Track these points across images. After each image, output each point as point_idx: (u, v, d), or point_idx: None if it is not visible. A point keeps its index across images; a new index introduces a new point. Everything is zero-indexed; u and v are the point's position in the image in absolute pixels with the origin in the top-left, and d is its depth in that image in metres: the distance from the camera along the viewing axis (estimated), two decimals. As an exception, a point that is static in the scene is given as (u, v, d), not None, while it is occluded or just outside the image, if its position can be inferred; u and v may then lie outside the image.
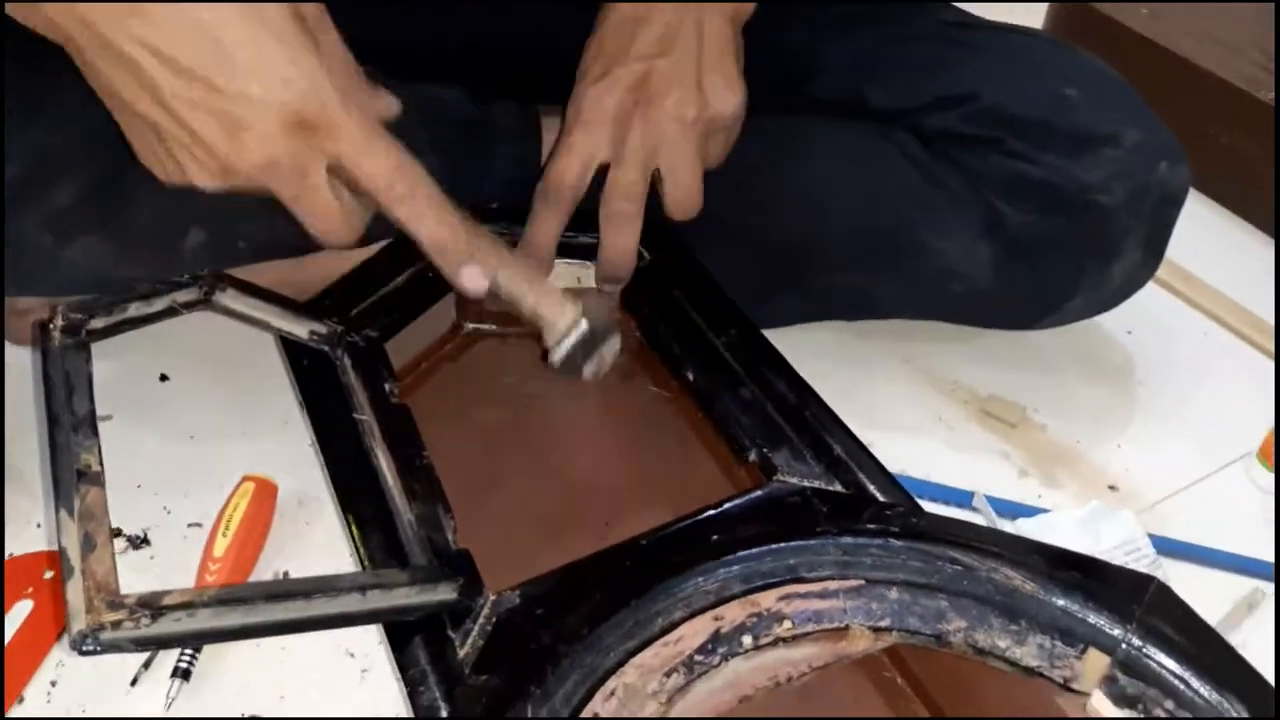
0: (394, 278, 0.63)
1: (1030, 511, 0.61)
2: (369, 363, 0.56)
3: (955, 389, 0.71)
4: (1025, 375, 0.72)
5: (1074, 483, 0.65)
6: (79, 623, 0.38)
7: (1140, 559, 0.57)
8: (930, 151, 0.66)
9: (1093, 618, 0.43)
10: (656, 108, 0.56)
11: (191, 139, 0.45)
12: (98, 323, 0.50)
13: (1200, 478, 0.65)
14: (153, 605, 0.38)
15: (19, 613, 0.54)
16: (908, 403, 0.69)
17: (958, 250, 0.66)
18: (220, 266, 0.58)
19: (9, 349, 0.70)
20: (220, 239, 0.63)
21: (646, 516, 0.51)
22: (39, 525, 0.59)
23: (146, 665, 0.52)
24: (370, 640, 0.53)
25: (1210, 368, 0.74)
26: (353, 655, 0.53)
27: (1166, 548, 0.59)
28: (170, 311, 0.53)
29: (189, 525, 0.59)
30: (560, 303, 0.55)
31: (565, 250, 0.63)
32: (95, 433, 0.45)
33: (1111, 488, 0.64)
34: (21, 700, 0.51)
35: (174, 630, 0.39)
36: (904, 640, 0.44)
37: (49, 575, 0.56)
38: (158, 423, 0.65)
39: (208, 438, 0.64)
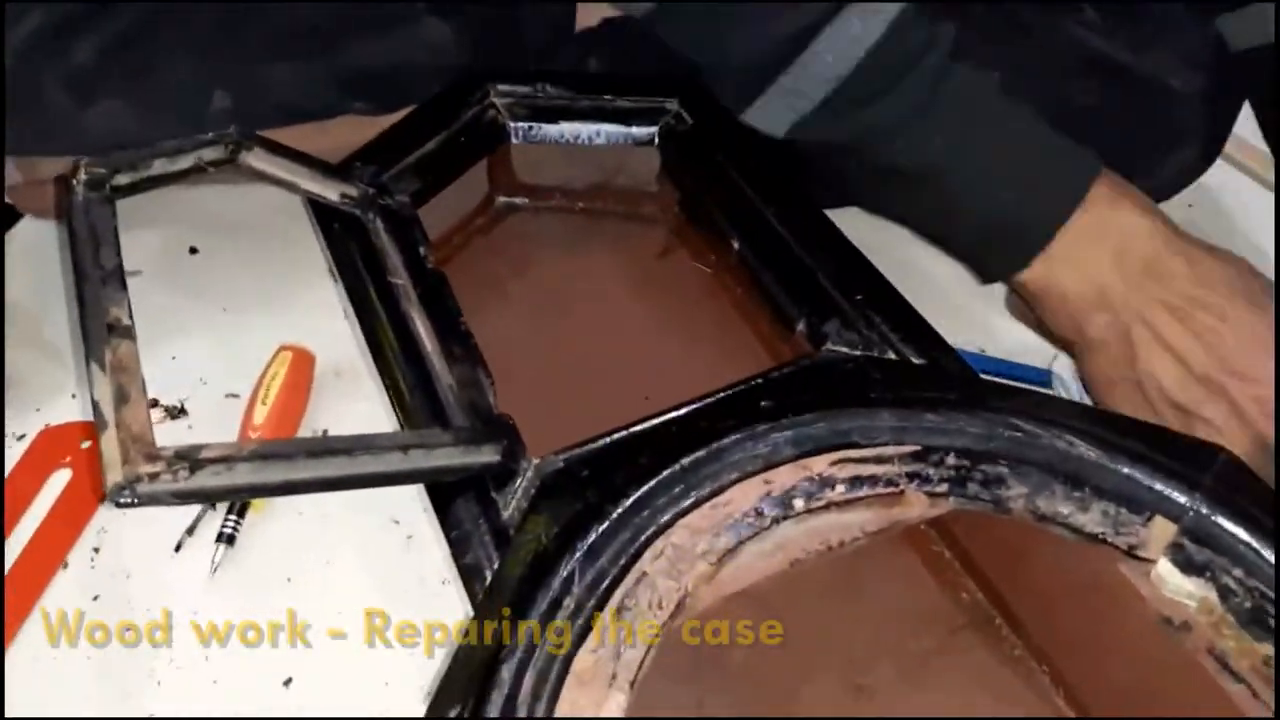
0: (425, 142, 0.60)
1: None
2: (403, 227, 0.54)
3: None
4: None
5: None
6: (115, 474, 0.37)
7: None
8: (999, 21, 0.62)
9: (1159, 485, 0.41)
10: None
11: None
12: (122, 178, 0.48)
13: (1265, 350, 0.63)
14: (191, 458, 0.37)
15: (58, 482, 0.54)
16: (962, 281, 0.66)
17: None
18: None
19: (32, 222, 0.68)
20: (246, 104, 0.60)
21: (686, 391, 0.50)
22: (74, 396, 0.59)
23: (190, 531, 0.51)
24: (415, 508, 0.52)
25: (1272, 241, 0.70)
26: (397, 522, 0.52)
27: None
28: (196, 170, 0.50)
29: (226, 396, 0.58)
30: None
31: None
32: (124, 286, 0.43)
33: None
34: (66, 566, 0.51)
35: (213, 484, 0.38)
36: (961, 506, 0.42)
37: (86, 445, 0.56)
38: (189, 295, 0.63)
39: (240, 309, 0.63)
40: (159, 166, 0.49)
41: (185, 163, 0.50)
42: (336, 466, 0.40)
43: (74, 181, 0.47)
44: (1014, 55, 0.62)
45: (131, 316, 0.42)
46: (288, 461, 0.39)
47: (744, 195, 0.57)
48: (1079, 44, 0.61)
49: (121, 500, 0.37)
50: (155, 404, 0.57)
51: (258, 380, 0.56)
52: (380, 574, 0.50)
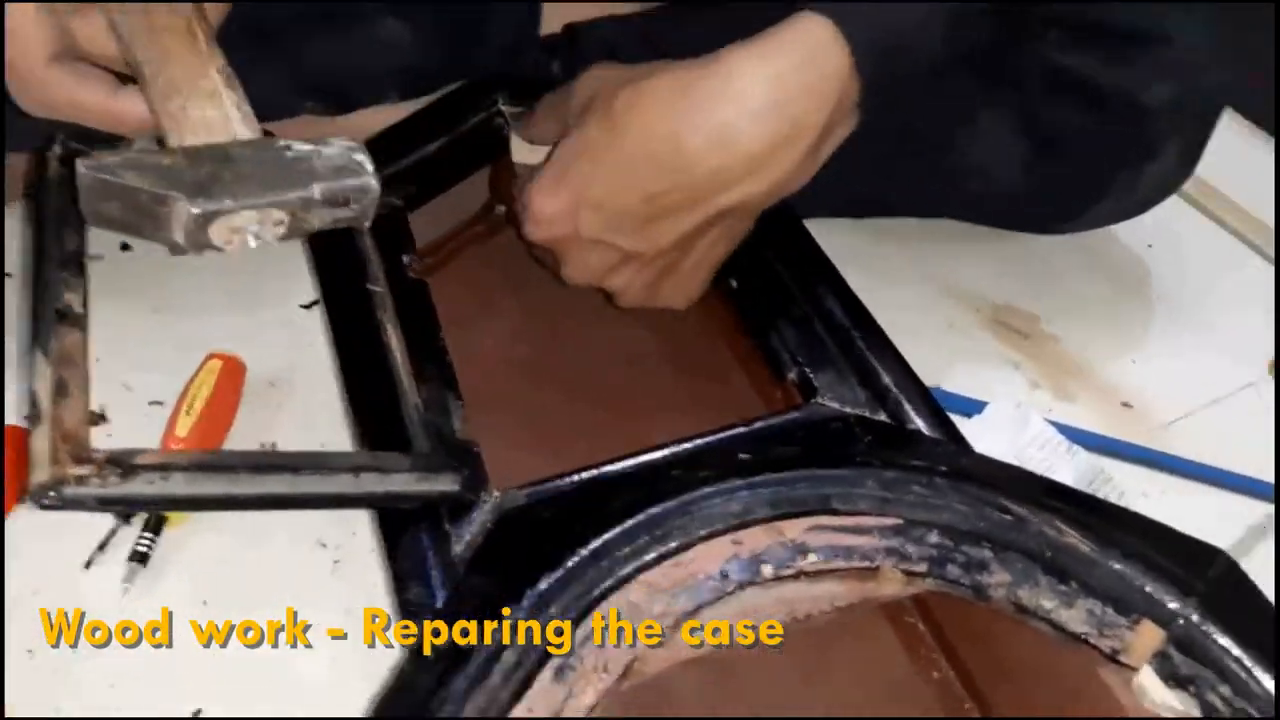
0: (425, 144, 0.58)
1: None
2: (388, 232, 0.52)
3: (967, 296, 0.66)
4: (1040, 285, 0.68)
5: (1087, 396, 0.61)
6: (41, 474, 0.34)
7: (1057, 448, 0.55)
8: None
9: (1150, 587, 0.39)
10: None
11: None
12: (99, 157, 0.46)
13: (1217, 398, 0.62)
14: (123, 463, 0.35)
15: None
16: (917, 308, 0.64)
17: (985, 145, 0.62)
18: None
19: None
20: None
21: (666, 430, 0.48)
22: None
23: (102, 547, 0.48)
24: (344, 531, 0.49)
25: (1230, 285, 0.71)
26: (324, 545, 0.49)
27: (1178, 467, 0.57)
28: (177, 153, 0.48)
29: (150, 403, 0.53)
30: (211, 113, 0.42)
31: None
32: (83, 272, 0.41)
33: (1125, 404, 0.61)
34: None
35: (144, 492, 0.36)
36: (939, 588, 0.40)
37: None
38: (118, 294, 0.58)
39: (171, 311, 0.59)
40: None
41: (167, 145, 0.48)
42: (281, 484, 0.38)
43: (48, 156, 0.45)
44: (982, 76, 0.61)
45: (86, 305, 0.40)
46: (228, 474, 0.37)
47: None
48: (1046, 62, 0.60)
49: (45, 502, 0.34)
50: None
51: (184, 389, 0.52)
52: (304, 601, 0.47)
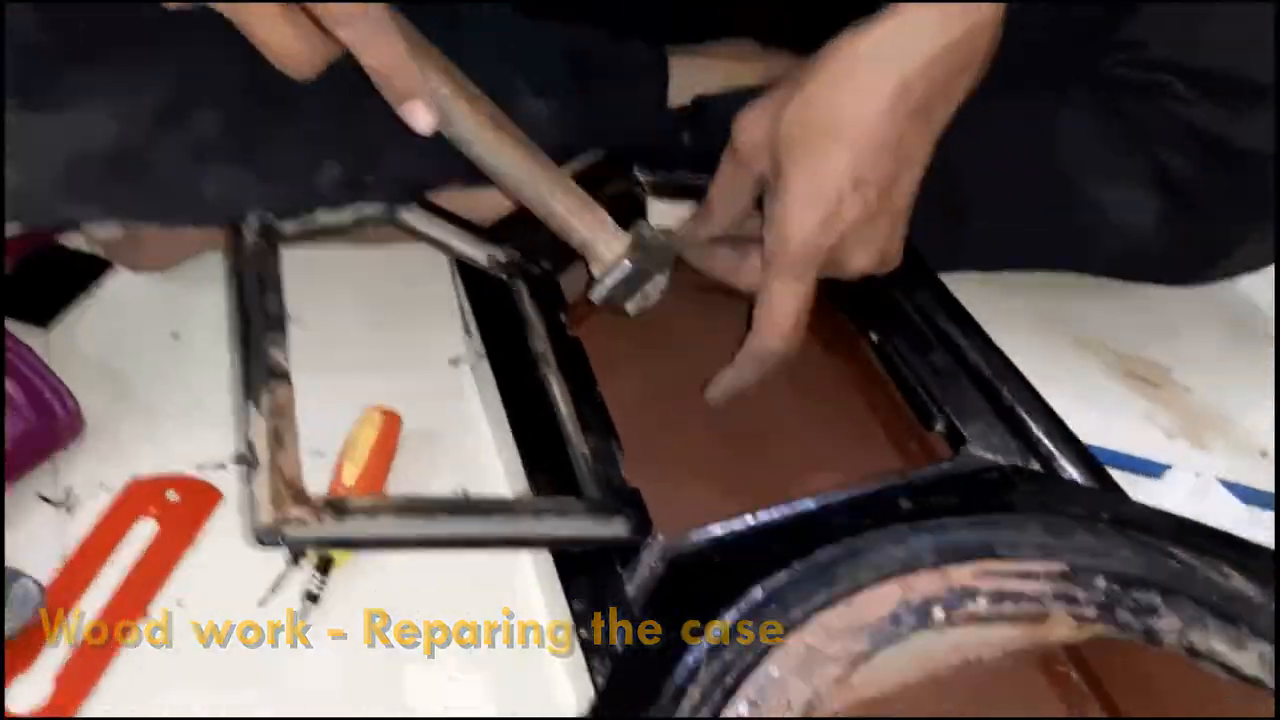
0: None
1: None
2: (544, 294, 0.55)
3: (1095, 347, 0.67)
4: (1168, 337, 0.68)
5: (1223, 446, 0.61)
6: (265, 515, 0.38)
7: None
8: (1097, 98, 0.63)
9: (1323, 633, 0.39)
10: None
11: None
12: (290, 227, 0.50)
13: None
14: (338, 506, 0.38)
15: (143, 532, 0.53)
16: (1047, 360, 0.63)
17: (1121, 200, 0.63)
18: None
19: (121, 274, 0.69)
20: (355, 174, 0.61)
21: (805, 479, 0.49)
22: (161, 449, 0.57)
23: (274, 589, 0.50)
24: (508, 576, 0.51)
25: None
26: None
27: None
28: (358, 224, 0.52)
29: (310, 453, 0.56)
30: (610, 235, 0.54)
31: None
32: (285, 333, 0.45)
33: (1264, 454, 0.61)
34: (147, 617, 0.49)
35: (356, 534, 0.38)
36: (1110, 634, 0.40)
37: (173, 497, 0.55)
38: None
39: (326, 369, 0.60)
40: (323, 219, 0.51)
41: (347, 216, 0.52)
42: (474, 526, 0.40)
43: (244, 227, 0.49)
44: (1113, 128, 0.63)
45: (288, 363, 0.43)
46: (428, 517, 0.40)
47: (884, 287, 0.56)
48: (1176, 117, 0.61)
49: (268, 541, 0.37)
50: (241, 459, 0.57)
51: (346, 439, 0.55)
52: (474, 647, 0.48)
